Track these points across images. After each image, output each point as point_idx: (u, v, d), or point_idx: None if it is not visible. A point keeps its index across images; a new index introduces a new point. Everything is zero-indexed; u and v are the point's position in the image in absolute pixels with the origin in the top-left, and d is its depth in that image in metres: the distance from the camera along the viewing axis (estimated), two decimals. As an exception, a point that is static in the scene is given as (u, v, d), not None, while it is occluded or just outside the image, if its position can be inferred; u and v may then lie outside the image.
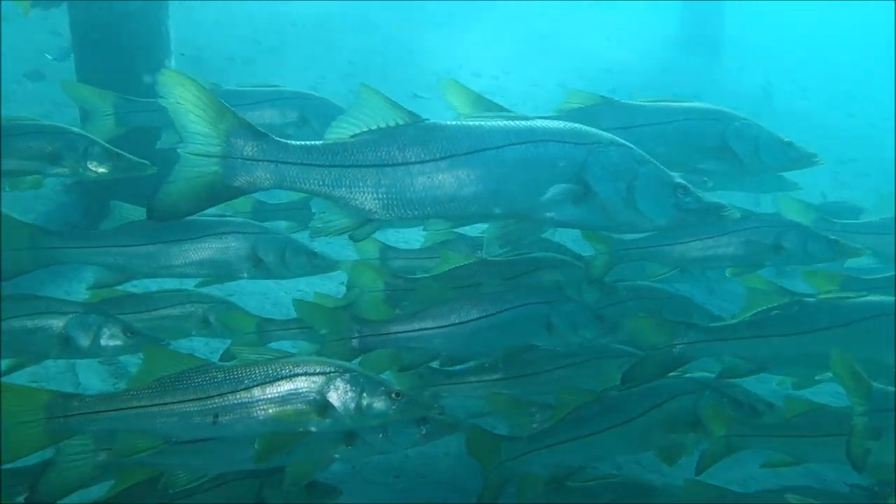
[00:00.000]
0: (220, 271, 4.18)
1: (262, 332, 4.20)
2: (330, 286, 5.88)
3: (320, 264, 4.29)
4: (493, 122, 3.00)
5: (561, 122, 3.08)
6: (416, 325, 3.59)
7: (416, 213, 2.94)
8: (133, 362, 5.08)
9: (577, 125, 3.08)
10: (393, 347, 3.63)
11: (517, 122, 3.01)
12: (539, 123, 3.03)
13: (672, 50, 16.49)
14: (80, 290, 4.29)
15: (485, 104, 4.17)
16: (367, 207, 2.90)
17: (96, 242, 4.04)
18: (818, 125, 13.70)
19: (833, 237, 4.23)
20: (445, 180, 2.90)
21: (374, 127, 2.92)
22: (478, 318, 3.61)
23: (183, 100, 2.72)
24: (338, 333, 3.51)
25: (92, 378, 4.89)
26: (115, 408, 2.97)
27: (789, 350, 3.70)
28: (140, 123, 4.88)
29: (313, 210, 2.91)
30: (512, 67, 13.71)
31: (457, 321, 3.60)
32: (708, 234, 4.23)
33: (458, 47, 14.32)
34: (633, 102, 4.36)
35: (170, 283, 4.98)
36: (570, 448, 3.69)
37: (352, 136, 2.93)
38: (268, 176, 2.83)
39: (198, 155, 2.76)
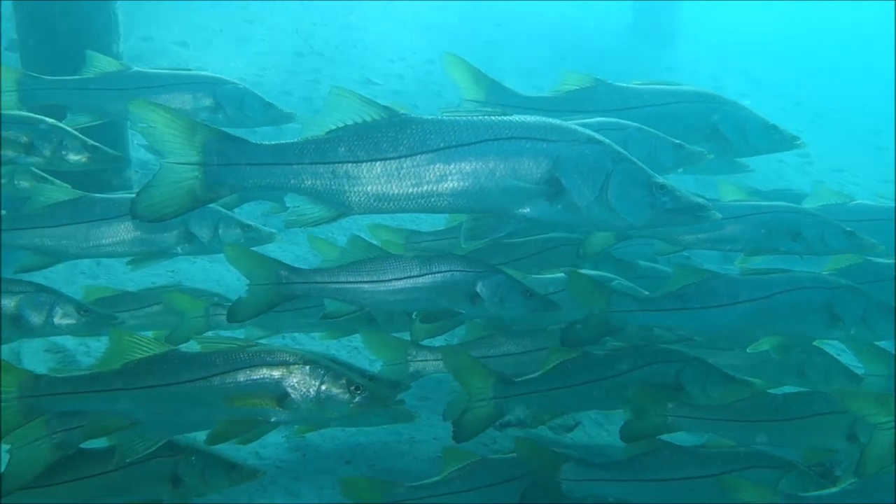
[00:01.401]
0: (152, 248, 4.11)
1: (210, 316, 4.17)
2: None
3: (255, 237, 4.26)
4: (468, 118, 3.01)
5: (538, 117, 3.09)
6: (343, 278, 3.62)
7: (389, 207, 2.98)
8: (81, 350, 5.02)
9: (554, 121, 3.09)
10: (317, 296, 3.69)
11: (491, 118, 3.02)
12: (514, 119, 3.04)
13: (626, 38, 16.63)
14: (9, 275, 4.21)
15: (485, 80, 4.36)
16: (341, 202, 2.96)
17: (21, 224, 3.94)
18: (766, 114, 13.92)
19: (849, 230, 4.17)
20: (418, 175, 2.93)
21: (349, 123, 2.95)
22: (402, 278, 3.65)
23: (154, 122, 2.84)
24: (263, 278, 3.50)
25: (38, 367, 4.81)
26: (84, 390, 3.05)
27: (713, 322, 3.84)
28: (46, 101, 4.72)
29: (287, 202, 2.96)
30: (465, 54, 13.67)
31: (382, 278, 3.64)
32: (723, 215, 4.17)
33: (407, 39, 14.26)
34: (627, 85, 4.40)
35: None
36: (552, 396, 3.86)
37: (326, 133, 2.96)
38: (244, 178, 2.91)
39: (177, 164, 2.86)
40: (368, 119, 2.95)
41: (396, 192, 2.94)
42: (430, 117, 3.00)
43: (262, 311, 3.53)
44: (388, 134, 2.92)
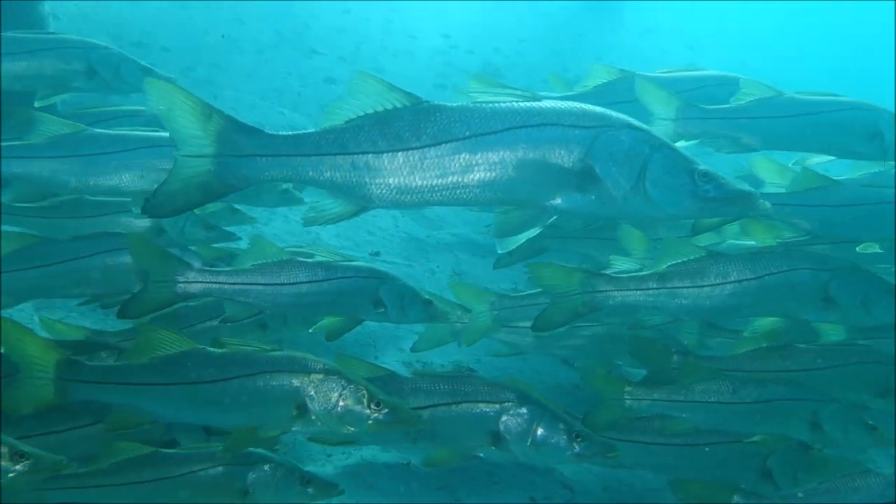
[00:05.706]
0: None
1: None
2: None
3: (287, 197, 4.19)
4: (496, 104, 2.85)
5: (570, 102, 2.93)
6: (245, 280, 3.58)
7: (413, 199, 2.82)
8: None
9: (587, 106, 2.92)
10: (217, 297, 3.63)
11: (521, 104, 2.86)
12: (545, 105, 2.87)
13: (576, 13, 16.58)
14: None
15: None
16: (362, 195, 2.80)
17: (21, 153, 3.75)
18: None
19: None
20: (443, 166, 2.77)
21: (370, 111, 2.79)
22: (305, 282, 3.63)
23: (171, 107, 2.71)
24: (162, 275, 3.42)
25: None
26: (117, 381, 3.05)
27: (699, 302, 3.68)
28: None
29: (305, 198, 2.74)
30: (418, 30, 13.44)
31: (284, 282, 3.61)
32: (850, 199, 3.89)
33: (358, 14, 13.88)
34: (651, 74, 4.40)
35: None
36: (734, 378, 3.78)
37: (346, 122, 2.80)
38: (260, 169, 2.78)
39: (191, 156, 2.74)
40: (390, 106, 2.79)
41: (420, 183, 2.78)
42: (455, 104, 2.84)
43: (157, 309, 3.48)
44: (410, 122, 2.76)
